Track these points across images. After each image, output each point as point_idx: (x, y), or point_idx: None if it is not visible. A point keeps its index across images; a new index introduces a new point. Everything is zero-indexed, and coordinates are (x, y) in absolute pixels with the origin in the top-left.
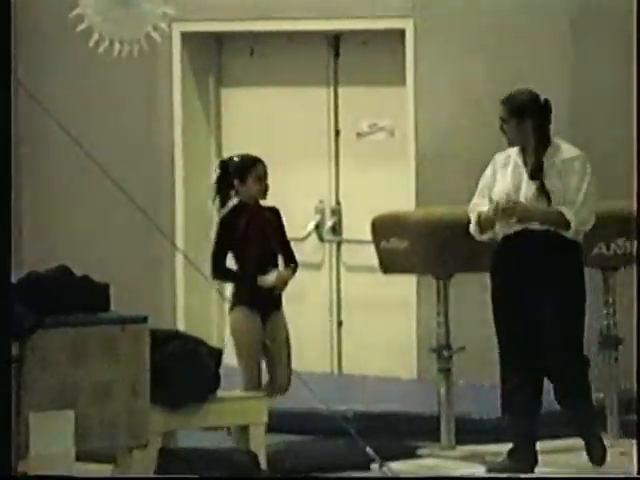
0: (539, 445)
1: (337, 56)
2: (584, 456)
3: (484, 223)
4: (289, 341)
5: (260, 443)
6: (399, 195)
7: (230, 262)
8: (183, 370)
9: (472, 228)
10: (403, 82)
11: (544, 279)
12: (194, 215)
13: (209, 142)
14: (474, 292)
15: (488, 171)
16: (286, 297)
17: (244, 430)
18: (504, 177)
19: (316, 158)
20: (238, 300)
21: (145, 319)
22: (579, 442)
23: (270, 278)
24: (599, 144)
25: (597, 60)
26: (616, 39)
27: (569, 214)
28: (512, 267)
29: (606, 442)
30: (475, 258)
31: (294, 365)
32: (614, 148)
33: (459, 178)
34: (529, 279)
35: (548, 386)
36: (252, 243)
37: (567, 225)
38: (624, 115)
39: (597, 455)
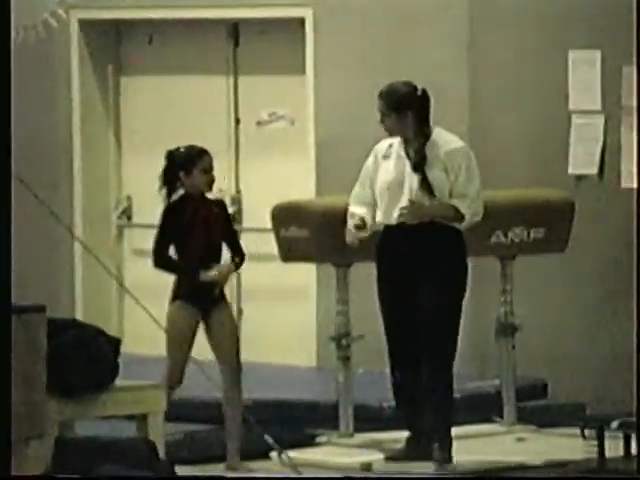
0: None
1: (237, 45)
2: (495, 443)
3: (359, 226)
4: (236, 333)
5: (159, 432)
6: (299, 184)
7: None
8: (80, 359)
9: (348, 228)
10: (303, 71)
11: (425, 268)
12: (92, 204)
13: (108, 131)
14: (373, 281)
15: (369, 161)
16: None
17: (143, 419)
18: (387, 169)
19: (216, 147)
20: (177, 293)
21: (42, 308)
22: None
23: (211, 273)
24: (497, 133)
25: (493, 48)
26: (513, 26)
27: (463, 207)
28: (394, 257)
29: (502, 428)
30: (374, 247)
31: (193, 353)
32: (511, 137)
33: (359, 167)
34: (410, 269)
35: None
36: (195, 235)
37: (461, 218)
38: (521, 104)
39: (444, 454)
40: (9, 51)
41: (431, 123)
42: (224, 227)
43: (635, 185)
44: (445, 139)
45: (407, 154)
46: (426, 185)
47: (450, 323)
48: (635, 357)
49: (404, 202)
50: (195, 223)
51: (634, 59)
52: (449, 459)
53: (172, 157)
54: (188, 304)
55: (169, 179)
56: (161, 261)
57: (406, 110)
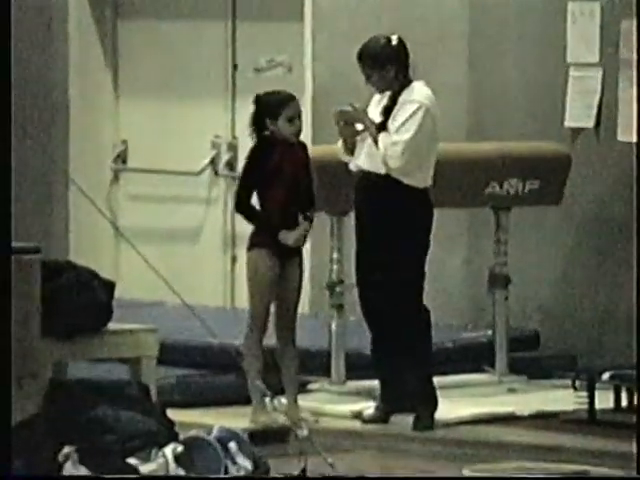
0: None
1: None
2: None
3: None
4: (300, 288)
5: (151, 376)
6: None
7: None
8: (74, 302)
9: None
10: (301, 17)
11: (370, 220)
12: (88, 147)
13: (105, 74)
14: None
15: None
16: (181, 231)
17: (136, 363)
18: (372, 111)
19: (213, 93)
20: (258, 241)
21: (37, 250)
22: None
23: (290, 238)
24: (495, 84)
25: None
26: None
27: (381, 141)
28: (355, 207)
29: (493, 378)
30: None
31: (188, 299)
32: (509, 89)
33: None
34: (361, 219)
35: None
36: (281, 180)
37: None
38: (520, 56)
39: (422, 424)
40: (9, 50)
41: (411, 74)
42: (306, 172)
43: (633, 139)
44: (413, 91)
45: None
46: (382, 130)
47: (393, 276)
48: (635, 322)
49: (366, 144)
50: (281, 167)
51: (634, 12)
52: (429, 425)
53: (259, 102)
54: (270, 252)
55: (257, 125)
56: (243, 208)
57: (386, 64)
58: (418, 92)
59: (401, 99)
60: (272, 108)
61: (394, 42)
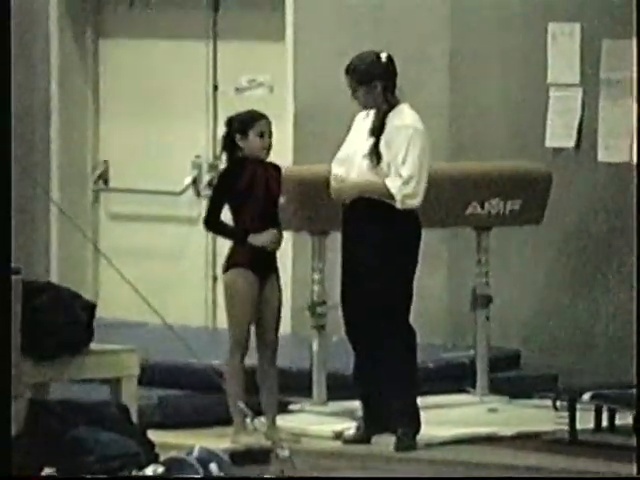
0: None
1: (217, 10)
2: (468, 413)
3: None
4: (280, 307)
5: (132, 396)
6: (276, 152)
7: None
8: (55, 322)
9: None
10: (283, 37)
11: (358, 240)
12: (69, 167)
13: (86, 93)
14: None
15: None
16: (162, 251)
17: (117, 383)
18: (357, 131)
19: (194, 113)
20: (235, 261)
21: (18, 270)
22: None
23: (261, 238)
24: (476, 104)
25: (475, 18)
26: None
27: (394, 188)
28: (345, 230)
29: (474, 399)
30: None
31: (169, 319)
32: (491, 109)
33: (337, 135)
34: (354, 243)
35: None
36: (253, 197)
37: (393, 198)
38: (502, 76)
39: (404, 444)
40: (9, 50)
41: (397, 94)
42: (279, 191)
43: (622, 159)
44: (403, 114)
45: (374, 122)
46: (375, 152)
47: (383, 298)
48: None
49: (356, 167)
50: (254, 185)
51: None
52: (412, 445)
53: (230, 122)
54: (247, 271)
55: (227, 144)
56: (212, 224)
57: (373, 80)
58: (409, 116)
59: (393, 123)
60: (242, 124)
61: (383, 59)
